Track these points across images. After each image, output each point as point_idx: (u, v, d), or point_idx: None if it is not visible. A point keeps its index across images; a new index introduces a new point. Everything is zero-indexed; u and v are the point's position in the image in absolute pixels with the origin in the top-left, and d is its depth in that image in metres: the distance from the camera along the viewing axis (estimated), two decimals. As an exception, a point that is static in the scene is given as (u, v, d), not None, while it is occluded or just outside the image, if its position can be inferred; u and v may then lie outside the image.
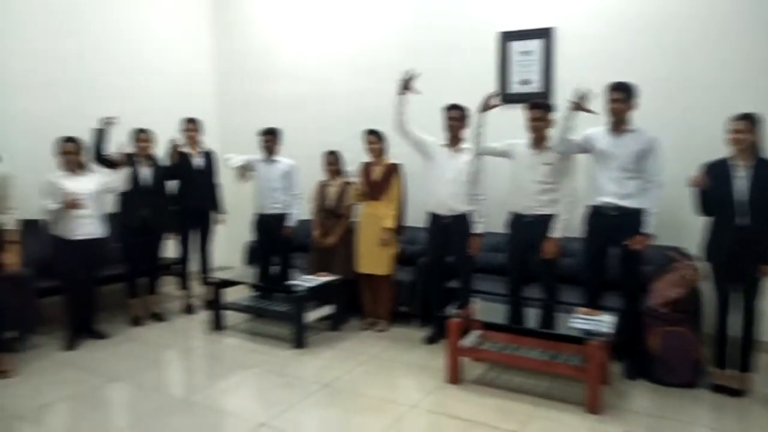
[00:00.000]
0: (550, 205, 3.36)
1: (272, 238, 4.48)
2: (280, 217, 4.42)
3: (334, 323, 4.16)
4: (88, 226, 3.79)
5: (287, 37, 5.53)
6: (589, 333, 2.84)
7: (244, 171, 4.51)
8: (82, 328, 3.92)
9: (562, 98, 4.01)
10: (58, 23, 4.57)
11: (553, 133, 3.38)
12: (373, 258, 4.05)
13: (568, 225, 3.37)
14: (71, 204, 3.64)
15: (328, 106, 5.24)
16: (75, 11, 4.70)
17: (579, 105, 3.11)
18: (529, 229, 3.41)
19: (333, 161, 4.33)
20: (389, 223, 4.01)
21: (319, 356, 3.68)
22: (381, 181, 4.07)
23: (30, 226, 3.83)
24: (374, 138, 4.10)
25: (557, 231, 3.34)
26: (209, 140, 4.84)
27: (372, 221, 4.06)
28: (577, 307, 3.21)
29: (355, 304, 4.26)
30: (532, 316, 3.33)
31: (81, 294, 3.88)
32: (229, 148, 4.88)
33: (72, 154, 3.79)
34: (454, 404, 2.97)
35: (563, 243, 3.39)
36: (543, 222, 3.36)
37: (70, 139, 3.79)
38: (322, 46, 5.30)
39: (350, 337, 4.02)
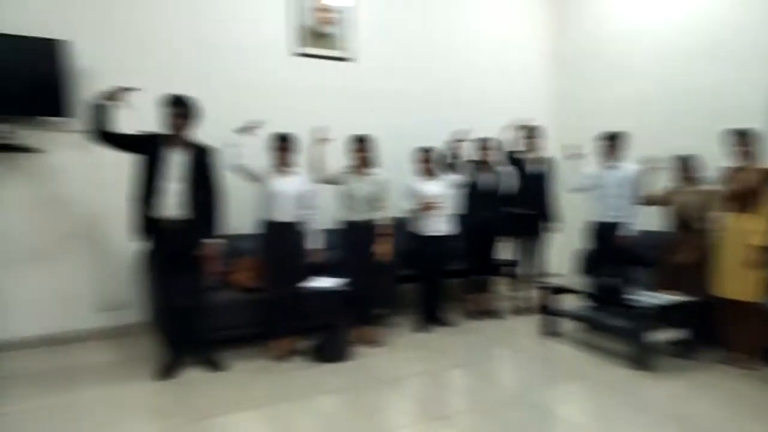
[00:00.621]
0: None
1: (606, 248, 4.26)
2: (615, 226, 4.17)
3: (684, 349, 3.69)
4: (438, 224, 4.31)
5: (626, 31, 5.18)
6: None
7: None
8: (430, 315, 4.45)
9: None
10: (419, 44, 5.36)
11: None
12: (739, 281, 3.43)
13: None
14: (427, 207, 4.20)
15: (678, 104, 4.70)
16: (435, 31, 5.50)
17: None
18: None
19: (684, 167, 3.85)
20: (759, 240, 3.35)
21: (667, 383, 3.31)
22: (750, 189, 3.42)
23: (397, 223, 4.54)
24: (741, 140, 3.49)
25: None
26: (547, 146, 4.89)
27: (738, 237, 3.45)
28: None
29: (707, 331, 3.69)
30: None
31: (431, 284, 4.42)
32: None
33: (426, 162, 4.35)
34: None
35: None
36: None
37: (425, 149, 4.37)
38: (668, 36, 4.79)
39: (704, 369, 3.50)
